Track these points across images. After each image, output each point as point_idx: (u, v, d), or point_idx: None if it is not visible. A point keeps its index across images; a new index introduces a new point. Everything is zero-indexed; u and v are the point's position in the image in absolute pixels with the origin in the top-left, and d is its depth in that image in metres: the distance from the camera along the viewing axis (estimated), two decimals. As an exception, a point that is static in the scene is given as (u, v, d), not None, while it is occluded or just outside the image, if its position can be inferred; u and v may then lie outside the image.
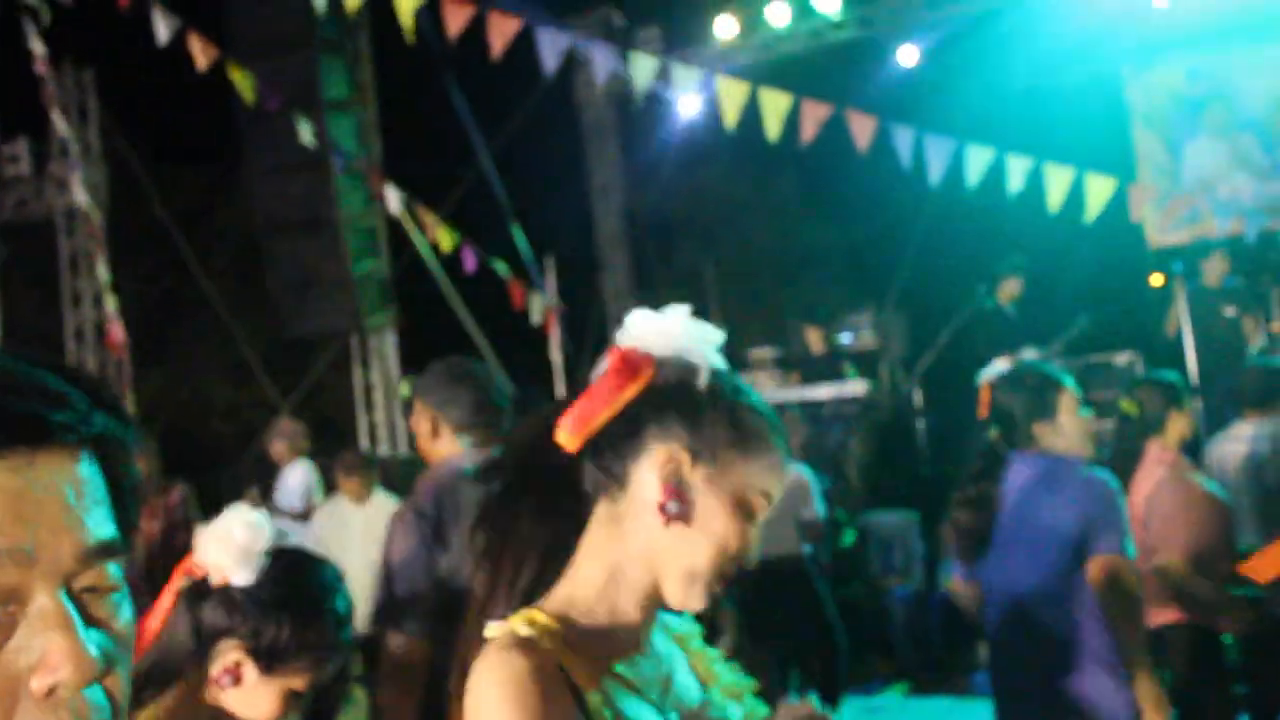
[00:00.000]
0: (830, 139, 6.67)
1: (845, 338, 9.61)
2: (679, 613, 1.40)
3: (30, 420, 0.68)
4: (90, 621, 0.69)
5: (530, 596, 1.36)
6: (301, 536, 6.57)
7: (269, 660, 1.67)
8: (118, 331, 8.80)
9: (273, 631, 1.66)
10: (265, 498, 7.18)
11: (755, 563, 1.37)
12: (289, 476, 7.10)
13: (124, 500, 0.74)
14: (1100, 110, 9.96)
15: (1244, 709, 4.15)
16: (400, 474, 8.75)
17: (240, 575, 1.68)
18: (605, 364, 1.37)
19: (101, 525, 0.71)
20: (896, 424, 9.08)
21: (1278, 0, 8.80)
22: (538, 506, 1.39)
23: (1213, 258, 8.12)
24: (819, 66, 10.66)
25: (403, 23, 6.44)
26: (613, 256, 12.32)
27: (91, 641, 0.67)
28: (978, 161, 6.64)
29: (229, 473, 10.27)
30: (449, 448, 2.98)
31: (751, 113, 6.46)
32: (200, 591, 1.70)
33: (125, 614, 0.72)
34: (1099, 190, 6.51)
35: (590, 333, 12.22)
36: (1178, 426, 3.90)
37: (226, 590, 1.68)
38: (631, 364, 1.35)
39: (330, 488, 6.71)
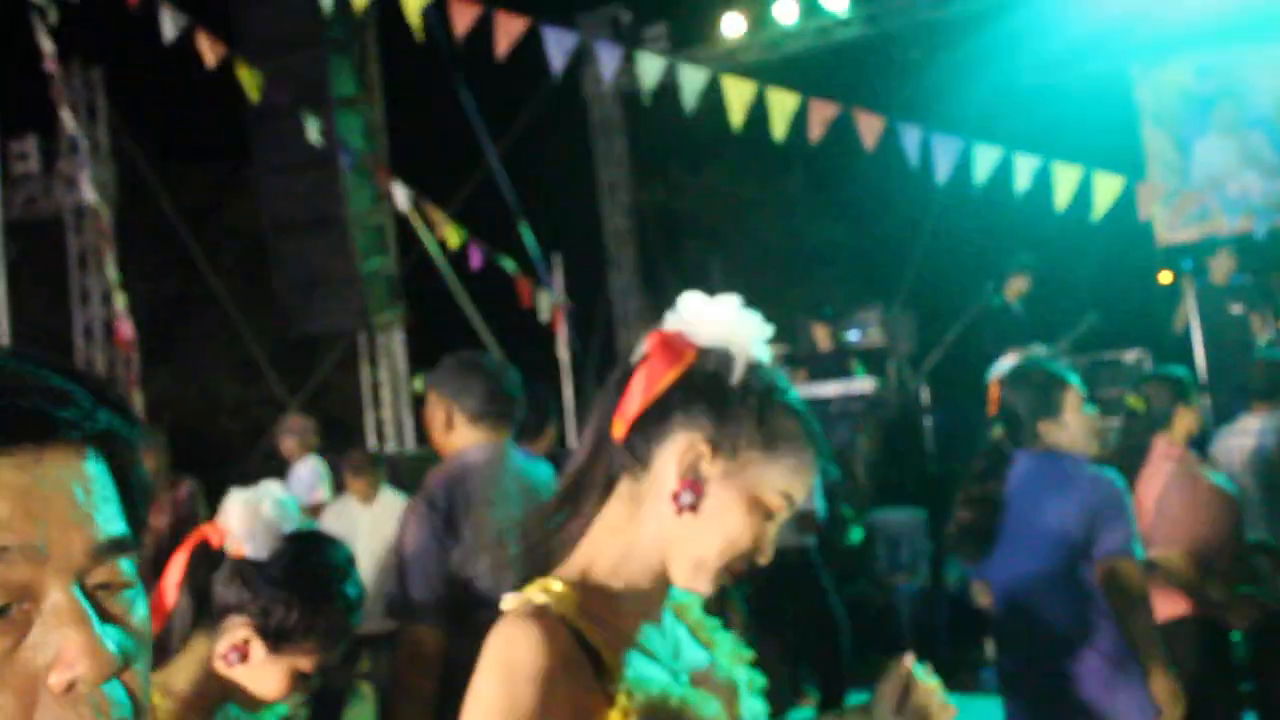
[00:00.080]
0: (837, 137, 6.66)
1: (853, 335, 9.61)
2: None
3: (35, 418, 0.68)
4: (105, 618, 0.69)
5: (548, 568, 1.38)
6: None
7: (276, 639, 1.68)
8: (126, 329, 8.82)
9: (281, 611, 1.68)
10: (277, 493, 7.21)
11: (769, 560, 1.36)
12: (299, 472, 7.13)
13: (133, 498, 0.74)
14: (1109, 108, 9.94)
15: (1250, 706, 4.15)
16: (408, 471, 8.77)
17: (255, 548, 1.70)
18: (645, 346, 1.38)
19: (111, 521, 0.71)
20: (904, 421, 9.06)
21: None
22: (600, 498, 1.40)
23: (1219, 255, 8.10)
24: (826, 64, 10.66)
25: (410, 21, 6.45)
26: (620, 254, 12.33)
27: (108, 637, 0.67)
28: (985, 160, 6.63)
29: (237, 470, 10.29)
30: (463, 438, 2.99)
31: (759, 111, 6.45)
32: (211, 558, 1.71)
33: (140, 610, 0.72)
34: (1107, 188, 6.50)
35: (597, 330, 12.23)
36: (1185, 422, 3.89)
37: (239, 566, 1.70)
38: (672, 349, 1.35)
39: (339, 485, 6.73)
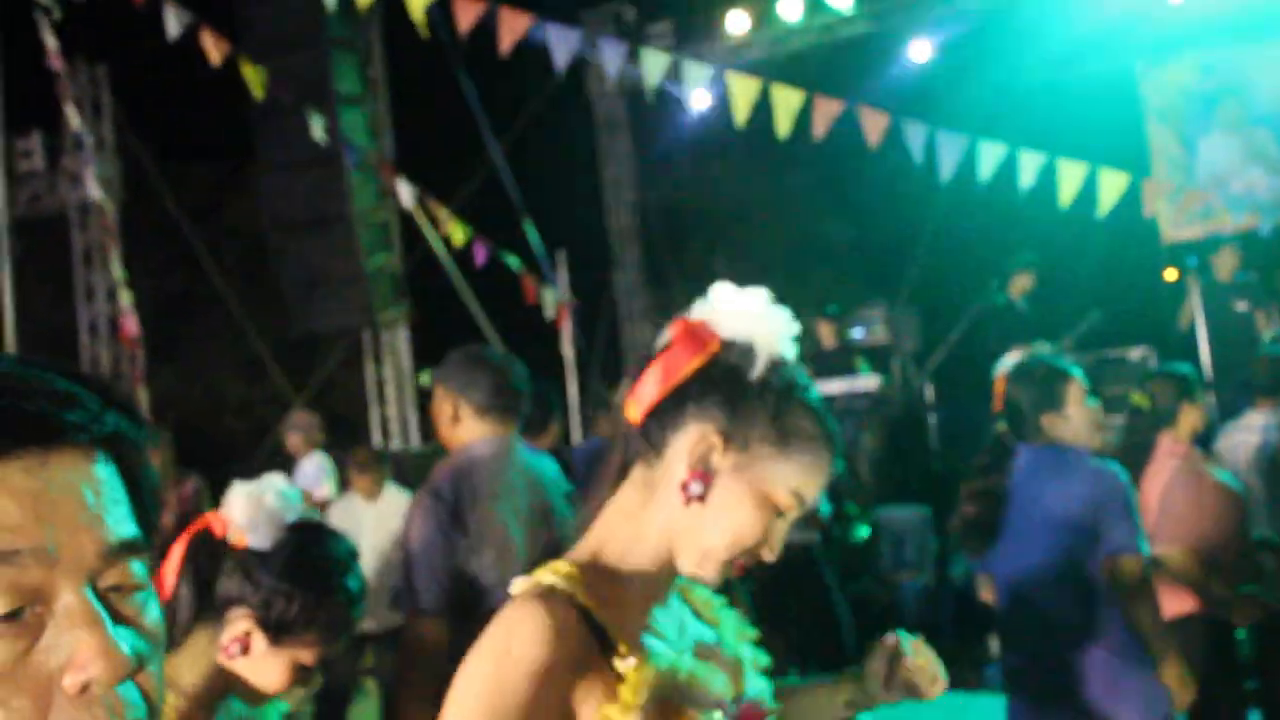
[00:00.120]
0: (842, 134, 6.66)
1: (857, 332, 9.60)
2: None
3: (42, 421, 0.68)
4: (118, 619, 0.69)
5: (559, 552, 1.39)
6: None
7: (277, 631, 1.68)
8: (131, 326, 8.83)
9: (282, 603, 1.68)
10: (284, 489, 7.22)
11: (779, 557, 1.36)
12: (304, 468, 7.14)
13: (143, 500, 0.74)
14: (1113, 106, 9.93)
15: (1255, 704, 4.15)
16: (413, 468, 8.77)
17: (257, 538, 1.70)
18: (669, 333, 1.38)
19: (122, 523, 0.71)
20: (908, 419, 9.07)
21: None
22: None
23: (1223, 252, 8.09)
24: (830, 62, 10.65)
25: (414, 18, 6.45)
26: (624, 251, 12.33)
27: (121, 639, 0.67)
28: (990, 157, 6.62)
29: (242, 467, 10.30)
30: (469, 432, 3.00)
31: (763, 108, 6.45)
32: (212, 548, 1.72)
33: (153, 612, 0.72)
34: (1112, 186, 6.48)
35: (601, 327, 12.23)
36: (1190, 419, 3.89)
37: (241, 557, 1.70)
38: (696, 338, 1.35)
39: (344, 482, 6.74)
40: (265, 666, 1.69)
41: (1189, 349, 7.86)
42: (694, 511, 1.33)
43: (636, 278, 12.36)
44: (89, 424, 0.70)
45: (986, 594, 3.28)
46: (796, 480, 1.33)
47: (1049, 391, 3.06)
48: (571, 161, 13.01)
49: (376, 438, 11.27)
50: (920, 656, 1.57)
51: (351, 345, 11.70)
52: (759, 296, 1.38)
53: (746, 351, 1.34)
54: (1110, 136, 9.03)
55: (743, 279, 1.45)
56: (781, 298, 1.41)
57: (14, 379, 0.69)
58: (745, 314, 1.36)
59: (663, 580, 1.37)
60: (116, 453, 0.73)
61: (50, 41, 7.87)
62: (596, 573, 1.33)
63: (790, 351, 1.37)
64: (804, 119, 6.47)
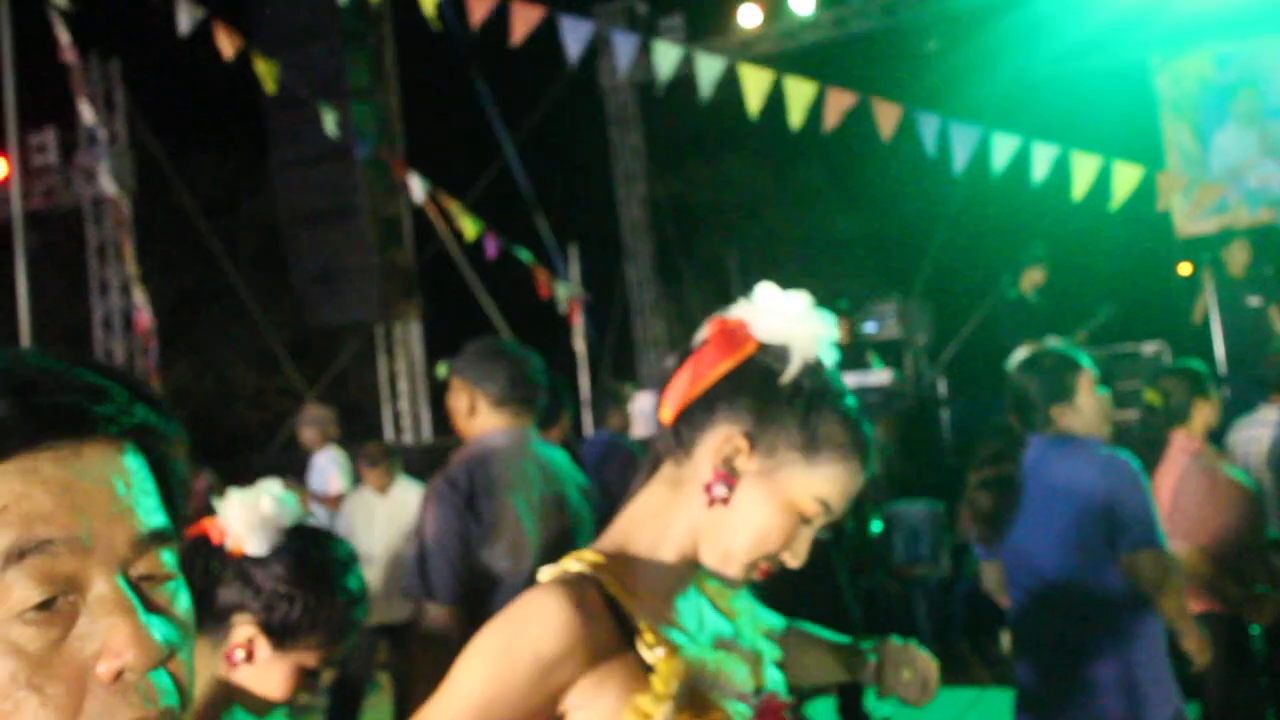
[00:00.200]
0: (854, 128, 6.64)
1: (869, 327, 9.57)
2: None
3: (74, 413, 0.69)
4: (150, 608, 0.70)
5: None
6: (332, 523, 6.63)
7: (281, 636, 1.67)
8: (145, 319, 8.86)
9: (285, 606, 1.67)
10: (299, 484, 7.24)
11: (802, 563, 1.35)
12: (318, 462, 7.15)
13: (171, 492, 0.75)
14: (1128, 98, 9.88)
15: (1270, 702, 4.13)
16: (425, 462, 8.79)
17: (255, 545, 1.69)
18: (705, 332, 1.37)
19: (152, 514, 0.72)
20: (921, 413, 9.04)
21: (1309, -15, 8.70)
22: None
23: (1234, 247, 8.02)
24: (843, 54, 10.63)
25: (425, 11, 6.45)
26: (636, 245, 12.33)
27: (154, 627, 0.69)
28: (1003, 149, 6.59)
29: (255, 460, 10.34)
30: (486, 424, 3.01)
31: (775, 101, 6.43)
32: (208, 555, 1.71)
33: (183, 601, 0.73)
34: (1126, 178, 6.45)
35: (613, 321, 12.24)
36: (1203, 415, 3.87)
37: (240, 564, 1.69)
38: (732, 338, 1.34)
39: (356, 476, 6.75)
40: (269, 673, 1.67)
41: (1203, 344, 7.82)
42: (717, 512, 1.32)
43: (648, 271, 12.36)
44: (118, 416, 0.71)
45: (990, 582, 3.26)
46: (822, 488, 1.31)
47: (1059, 381, 3.04)
48: (583, 156, 13.01)
49: (389, 431, 11.30)
50: (907, 670, 1.58)
51: (364, 339, 11.73)
52: (800, 299, 1.35)
53: (781, 354, 1.32)
54: (1124, 129, 8.99)
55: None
56: (793, 291, 1.40)
57: (45, 372, 0.70)
58: (783, 316, 1.34)
59: (686, 574, 1.38)
60: (145, 444, 0.74)
61: (64, 36, 7.89)
62: (623, 563, 1.33)
63: (829, 357, 1.35)
64: (816, 112, 6.45)
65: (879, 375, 8.70)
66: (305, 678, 1.71)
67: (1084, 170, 6.46)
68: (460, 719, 1.26)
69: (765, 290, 1.37)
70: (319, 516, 7.12)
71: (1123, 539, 2.87)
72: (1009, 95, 8.97)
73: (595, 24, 6.77)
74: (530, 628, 1.24)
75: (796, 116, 6.35)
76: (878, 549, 7.32)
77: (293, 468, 7.64)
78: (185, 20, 6.74)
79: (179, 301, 15.02)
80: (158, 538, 0.72)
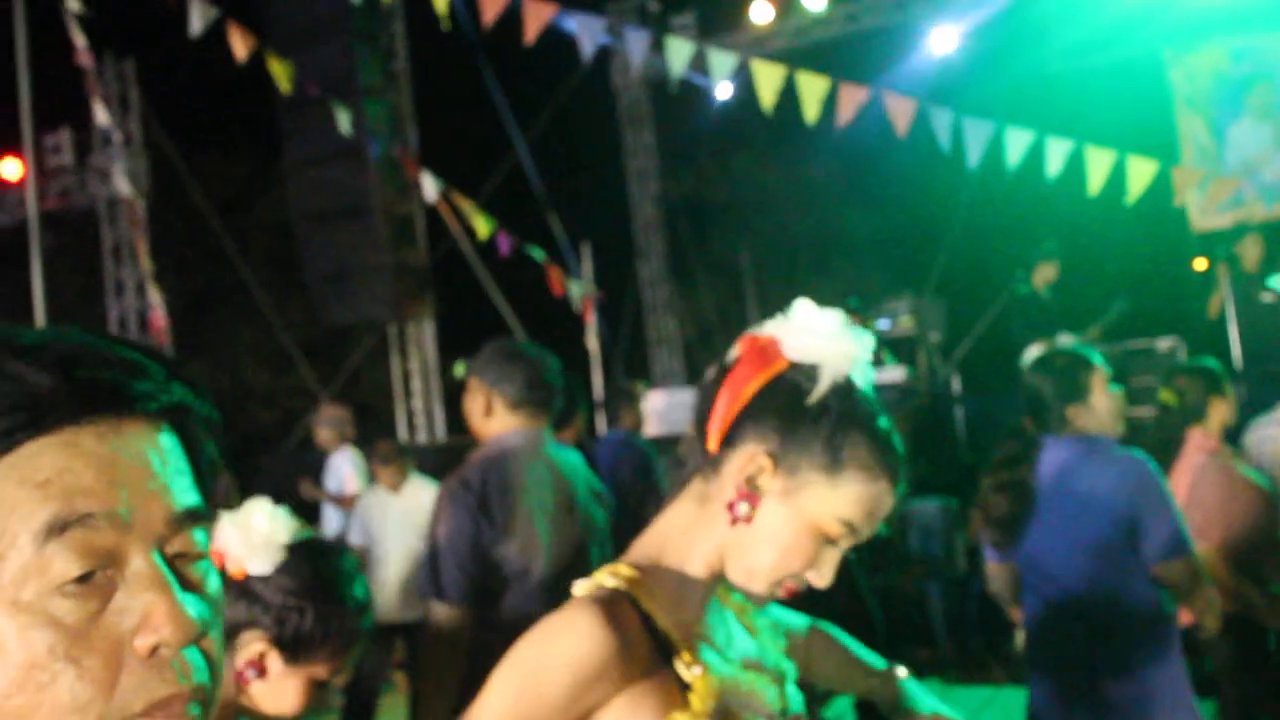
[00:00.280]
0: (867, 124, 6.61)
1: (883, 324, 9.55)
2: None
3: (115, 389, 0.70)
4: (184, 586, 0.71)
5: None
6: (347, 523, 6.65)
7: (294, 649, 1.67)
8: (160, 319, 8.90)
9: (296, 618, 1.66)
10: (315, 484, 7.25)
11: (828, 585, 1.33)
12: (334, 463, 7.16)
13: (202, 473, 0.76)
14: (1142, 92, 9.83)
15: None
16: (439, 461, 8.80)
17: (258, 565, 1.69)
18: (736, 350, 1.36)
19: (186, 493, 0.73)
20: (935, 410, 9.01)
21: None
22: None
23: (1247, 241, 7.96)
24: (855, 50, 10.60)
25: (437, 10, 6.45)
26: (648, 243, 12.32)
27: (189, 604, 0.69)
28: (1017, 144, 6.56)
29: (269, 459, 10.37)
30: (502, 425, 3.02)
31: (788, 97, 6.41)
32: None
33: (214, 582, 0.74)
34: (1141, 173, 6.41)
35: (626, 319, 12.24)
36: (1219, 413, 3.84)
37: (244, 583, 1.69)
38: (763, 356, 1.33)
39: (372, 475, 6.77)
40: (282, 688, 1.67)
41: (1219, 340, 7.77)
42: (742, 530, 1.31)
43: (660, 269, 12.35)
44: (157, 393, 0.72)
45: (995, 585, 3.23)
46: (846, 509, 1.29)
47: (1072, 381, 3.01)
48: (595, 154, 13.01)
49: (402, 430, 11.32)
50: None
51: (377, 338, 11.75)
52: (833, 317, 1.34)
53: (811, 373, 1.31)
54: (1138, 123, 8.94)
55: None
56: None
57: (86, 348, 0.71)
58: (815, 334, 1.32)
59: (714, 590, 1.38)
60: (178, 424, 0.75)
61: (78, 38, 7.92)
62: (656, 578, 1.32)
63: (861, 376, 1.34)
64: (829, 107, 6.43)
65: (892, 372, 8.67)
66: (317, 690, 1.70)
67: (1099, 165, 6.42)
68: None
69: (800, 307, 1.35)
70: (333, 517, 7.13)
71: (1151, 549, 2.84)
72: (1023, 90, 8.93)
73: (607, 21, 6.76)
74: (564, 645, 1.23)
75: (811, 112, 6.33)
76: (894, 547, 7.31)
77: (307, 468, 7.66)
78: (197, 21, 6.75)
79: (193, 301, 15.07)
80: (192, 516, 0.73)
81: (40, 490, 0.66)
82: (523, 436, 3.00)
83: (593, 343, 10.14)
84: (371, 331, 11.75)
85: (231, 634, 1.67)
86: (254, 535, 1.70)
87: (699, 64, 6.90)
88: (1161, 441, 3.88)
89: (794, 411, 1.29)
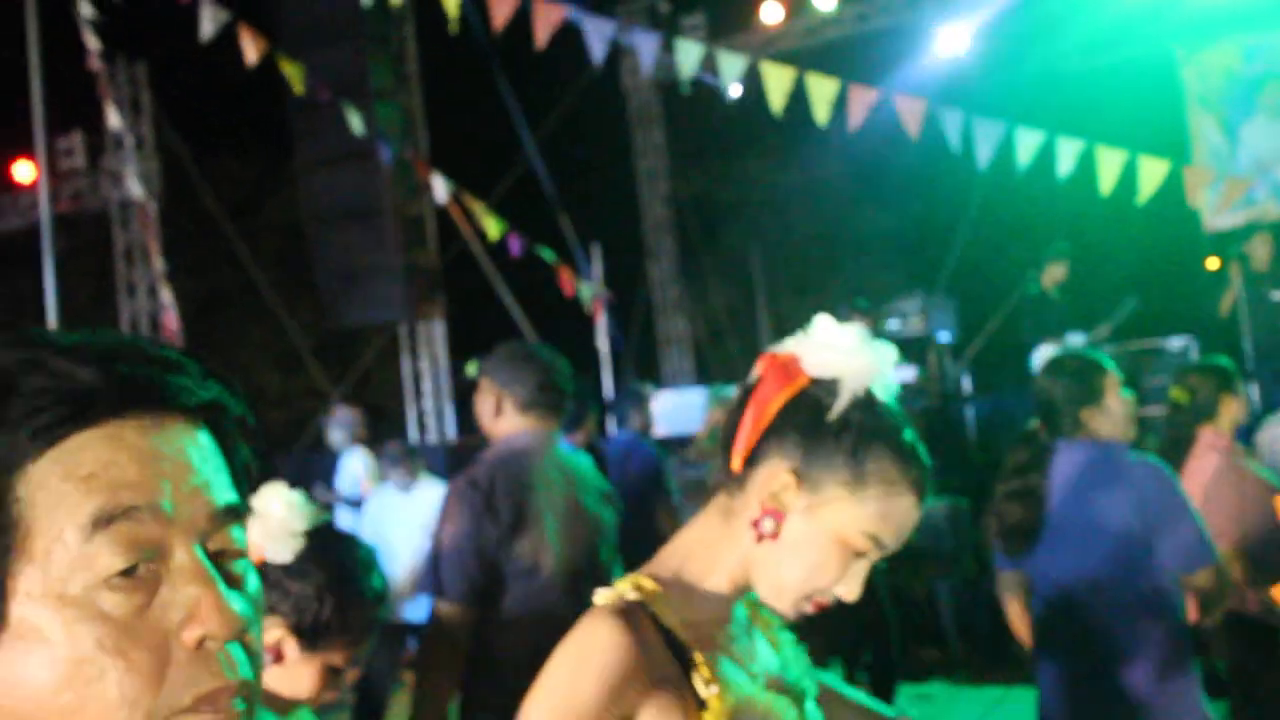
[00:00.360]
0: (876, 124, 6.61)
1: (893, 324, 9.53)
2: None
3: (154, 383, 0.71)
4: (227, 582, 0.71)
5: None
6: (358, 523, 6.66)
7: (311, 637, 1.68)
8: (172, 321, 8.93)
9: (315, 606, 1.67)
10: (327, 485, 7.27)
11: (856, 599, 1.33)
12: (347, 463, 7.18)
13: (237, 473, 0.77)
14: (1153, 91, 9.80)
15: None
16: (449, 461, 8.82)
17: (276, 553, 1.70)
18: (757, 369, 1.36)
19: (224, 490, 0.73)
20: (945, 410, 8.99)
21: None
22: None
23: (1256, 240, 7.92)
24: (865, 50, 10.59)
25: (448, 13, 6.46)
26: (658, 244, 12.33)
27: (232, 599, 0.70)
28: (1028, 144, 6.54)
29: (280, 460, 10.41)
30: (512, 426, 3.03)
31: (797, 98, 6.41)
32: None
33: (253, 579, 0.75)
34: (1152, 173, 6.39)
35: (636, 320, 12.24)
36: (1231, 412, 3.82)
37: (263, 569, 1.69)
38: (784, 373, 1.33)
39: (383, 475, 6.79)
40: (297, 673, 1.68)
41: (1231, 339, 7.74)
42: (768, 547, 1.31)
43: (670, 270, 12.35)
44: (195, 389, 0.73)
45: (1007, 593, 3.20)
46: (871, 524, 1.29)
47: (1086, 386, 2.98)
48: (606, 155, 13.02)
49: (413, 431, 11.34)
50: None
51: (388, 339, 11.78)
52: (854, 331, 1.34)
53: (832, 388, 1.31)
54: (1150, 123, 8.92)
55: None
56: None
57: (125, 346, 0.72)
58: (835, 349, 1.32)
59: (736, 599, 1.37)
60: (214, 423, 0.75)
61: (90, 41, 7.95)
62: (677, 591, 1.32)
63: (884, 390, 1.34)
64: (840, 108, 6.43)
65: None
66: (331, 677, 1.71)
67: (1110, 165, 6.40)
68: None
69: (820, 323, 1.36)
70: (346, 518, 7.15)
71: (1176, 560, 2.81)
72: (1033, 90, 8.91)
73: (618, 23, 6.76)
74: (592, 654, 1.24)
75: (822, 113, 6.33)
76: (904, 548, 7.29)
77: (319, 469, 7.68)
78: (209, 24, 6.78)
79: (205, 302, 15.13)
80: (231, 513, 0.73)
81: (85, 484, 0.67)
82: (532, 438, 3.01)
83: (603, 343, 10.15)
84: (382, 332, 11.78)
85: None
86: (271, 523, 1.71)
87: (709, 65, 6.90)
88: (1172, 440, 3.87)
89: (816, 427, 1.29)
